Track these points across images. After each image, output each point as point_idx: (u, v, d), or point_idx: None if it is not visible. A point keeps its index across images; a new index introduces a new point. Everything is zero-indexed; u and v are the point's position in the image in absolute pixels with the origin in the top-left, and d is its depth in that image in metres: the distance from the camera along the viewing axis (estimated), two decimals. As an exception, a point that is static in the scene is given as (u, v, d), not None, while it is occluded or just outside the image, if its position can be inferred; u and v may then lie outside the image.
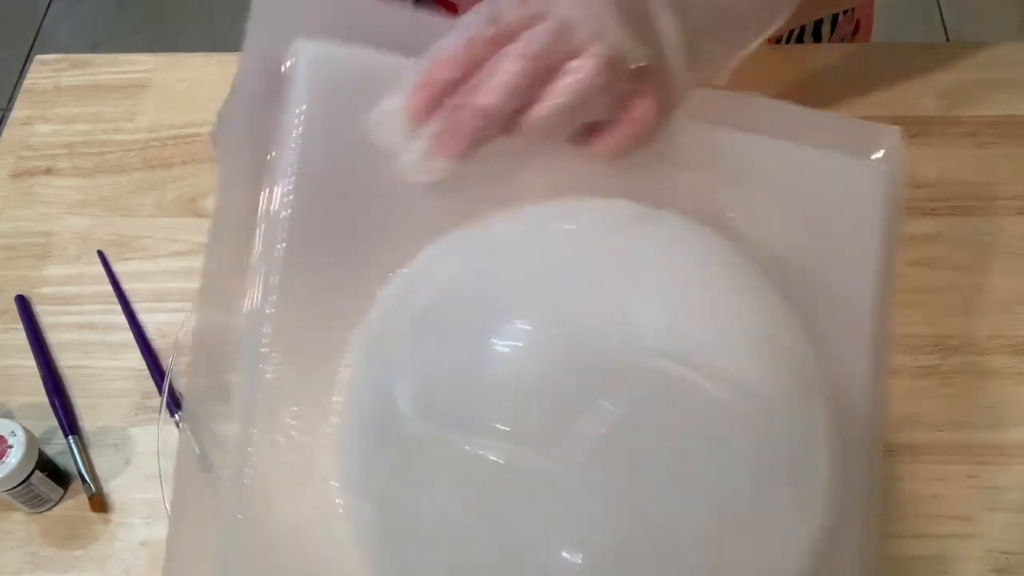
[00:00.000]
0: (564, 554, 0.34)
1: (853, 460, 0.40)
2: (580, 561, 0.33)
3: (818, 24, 0.80)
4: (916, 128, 0.69)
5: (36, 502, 0.56)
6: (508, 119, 0.39)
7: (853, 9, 0.82)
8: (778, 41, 0.78)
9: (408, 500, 0.36)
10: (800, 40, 0.80)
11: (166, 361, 0.62)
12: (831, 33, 0.82)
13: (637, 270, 0.37)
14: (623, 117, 0.41)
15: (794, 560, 0.35)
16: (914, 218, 0.64)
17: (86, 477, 0.58)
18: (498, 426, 0.34)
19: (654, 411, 0.34)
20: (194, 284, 0.64)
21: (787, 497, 0.36)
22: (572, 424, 0.34)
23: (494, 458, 0.34)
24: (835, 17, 0.81)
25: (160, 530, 0.56)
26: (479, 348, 0.36)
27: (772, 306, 0.39)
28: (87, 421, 0.61)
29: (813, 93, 0.66)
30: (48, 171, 0.72)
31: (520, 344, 0.35)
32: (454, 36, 0.38)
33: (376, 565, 0.38)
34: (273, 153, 0.40)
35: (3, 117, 1.38)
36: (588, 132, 0.41)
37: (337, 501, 0.38)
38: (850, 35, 0.85)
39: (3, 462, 0.54)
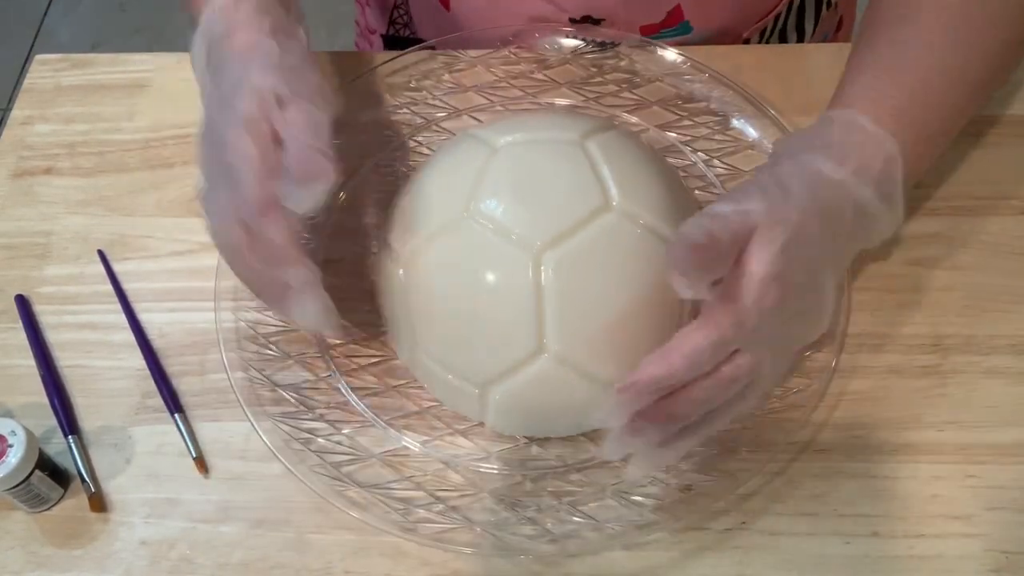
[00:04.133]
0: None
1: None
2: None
3: (801, 19, 0.80)
4: (916, 128, 0.69)
5: (36, 501, 0.56)
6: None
7: (836, 5, 0.82)
8: (761, 38, 0.79)
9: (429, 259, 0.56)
10: (784, 36, 0.80)
11: (166, 361, 0.62)
12: (814, 29, 0.82)
13: (609, 158, 0.57)
14: None
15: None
16: (914, 218, 0.64)
17: (85, 477, 0.58)
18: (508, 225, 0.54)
19: (608, 243, 0.54)
20: (194, 284, 0.65)
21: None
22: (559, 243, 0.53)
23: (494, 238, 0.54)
24: (817, 13, 0.81)
25: (160, 530, 0.56)
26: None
27: (680, 188, 0.60)
28: (87, 421, 0.61)
29: (814, 93, 0.66)
30: (48, 171, 0.72)
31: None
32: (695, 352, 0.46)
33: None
34: None
35: (3, 117, 1.38)
36: None
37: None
38: (833, 31, 0.85)
39: (3, 461, 0.54)
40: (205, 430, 0.59)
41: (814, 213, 0.49)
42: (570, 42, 0.73)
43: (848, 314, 0.59)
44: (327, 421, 0.59)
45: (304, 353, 0.61)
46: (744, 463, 0.55)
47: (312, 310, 0.52)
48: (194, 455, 0.58)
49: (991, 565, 0.53)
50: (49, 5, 2.08)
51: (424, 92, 0.72)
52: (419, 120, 0.71)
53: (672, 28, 0.73)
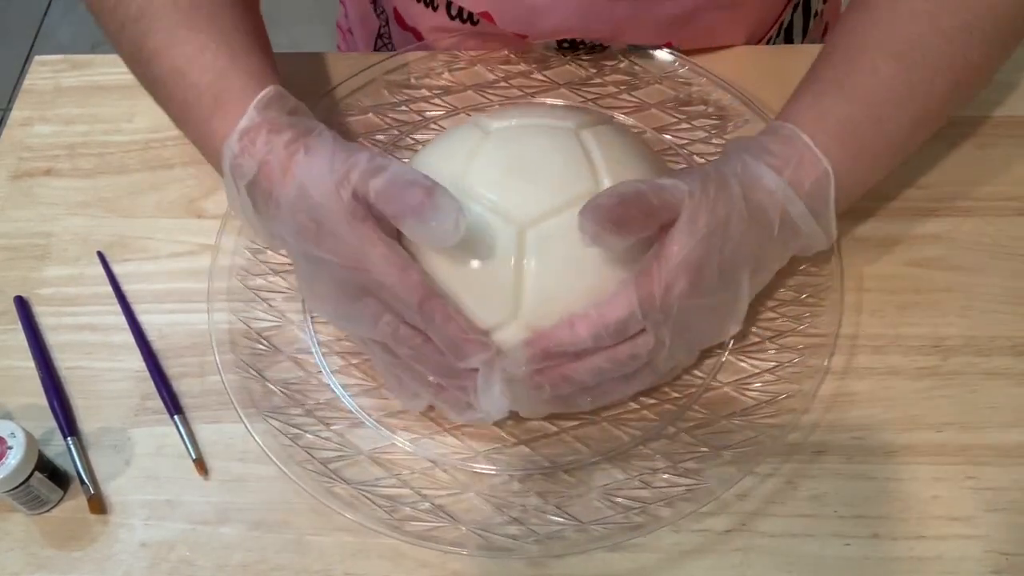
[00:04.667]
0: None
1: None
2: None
3: (789, 36, 0.80)
4: (916, 128, 0.69)
5: (36, 503, 0.56)
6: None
7: (821, 14, 0.82)
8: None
9: None
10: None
11: (166, 362, 0.62)
12: (803, 39, 0.82)
13: (603, 146, 0.57)
14: None
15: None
16: (914, 218, 0.64)
17: (85, 478, 0.58)
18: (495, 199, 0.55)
19: None
20: (194, 285, 0.65)
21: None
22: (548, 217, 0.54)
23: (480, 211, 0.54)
24: (805, 27, 0.81)
25: (159, 531, 0.56)
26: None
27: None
28: (87, 422, 0.61)
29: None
30: (48, 172, 0.72)
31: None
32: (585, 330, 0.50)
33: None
34: None
35: (3, 118, 1.38)
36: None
37: None
38: (820, 38, 0.85)
39: (3, 463, 0.54)
40: (205, 432, 0.59)
41: (743, 213, 0.51)
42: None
43: (841, 316, 0.59)
44: (316, 417, 0.59)
45: (297, 349, 0.61)
46: (731, 466, 0.55)
47: (496, 390, 0.52)
48: (194, 457, 0.58)
49: (991, 567, 0.52)
50: (49, 5, 2.08)
51: (423, 90, 0.72)
52: (417, 118, 0.71)
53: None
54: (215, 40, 0.57)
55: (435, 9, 0.73)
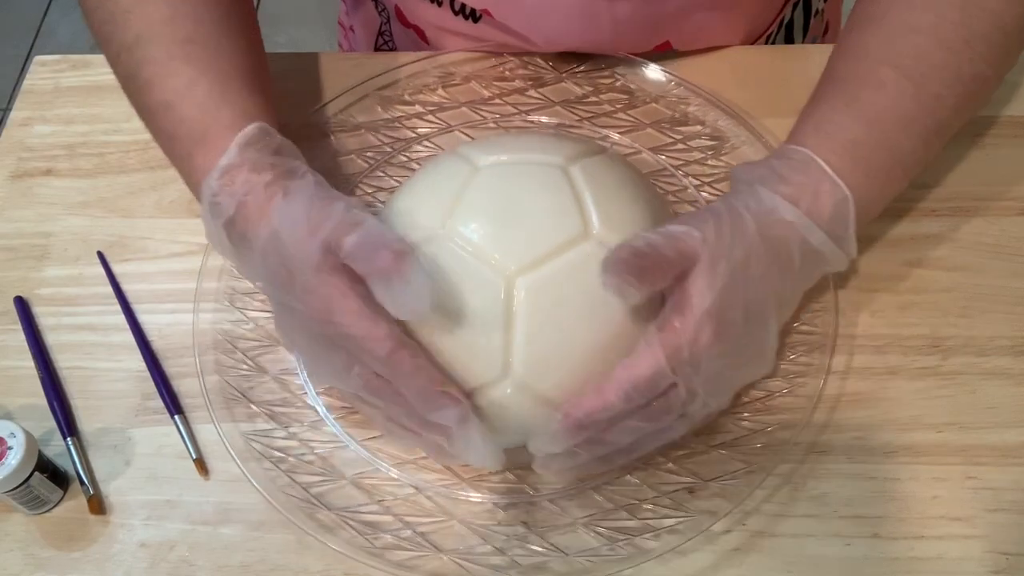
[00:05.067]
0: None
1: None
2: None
3: (790, 34, 0.80)
4: (916, 128, 0.69)
5: (36, 503, 0.56)
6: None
7: (822, 12, 0.82)
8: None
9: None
10: (773, 44, 0.80)
11: (166, 362, 0.62)
12: (803, 38, 0.82)
13: (593, 184, 0.55)
14: None
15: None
16: (914, 218, 0.64)
17: (84, 479, 0.58)
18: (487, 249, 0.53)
19: (584, 272, 0.51)
20: (194, 285, 0.64)
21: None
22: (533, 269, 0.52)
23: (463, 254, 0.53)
24: (806, 25, 0.81)
25: (159, 531, 0.56)
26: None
27: (665, 217, 0.57)
28: (86, 423, 0.61)
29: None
30: (48, 172, 0.72)
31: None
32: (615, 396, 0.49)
33: None
34: None
35: (3, 118, 1.38)
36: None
37: None
38: (821, 36, 0.85)
39: (2, 463, 0.54)
40: (205, 432, 0.59)
41: (761, 252, 0.50)
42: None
43: (837, 316, 0.59)
44: (300, 440, 0.59)
45: (282, 370, 0.61)
46: (718, 498, 0.55)
47: (478, 442, 0.50)
48: (194, 457, 0.58)
49: (991, 567, 0.52)
50: (49, 5, 2.08)
51: (416, 106, 0.72)
52: (410, 135, 0.70)
53: (660, 52, 0.73)
54: (208, 74, 0.56)
55: (439, 5, 0.73)
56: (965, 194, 0.65)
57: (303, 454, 0.58)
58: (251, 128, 0.54)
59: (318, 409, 0.59)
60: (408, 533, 0.55)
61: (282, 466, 0.57)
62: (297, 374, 0.60)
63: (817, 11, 0.82)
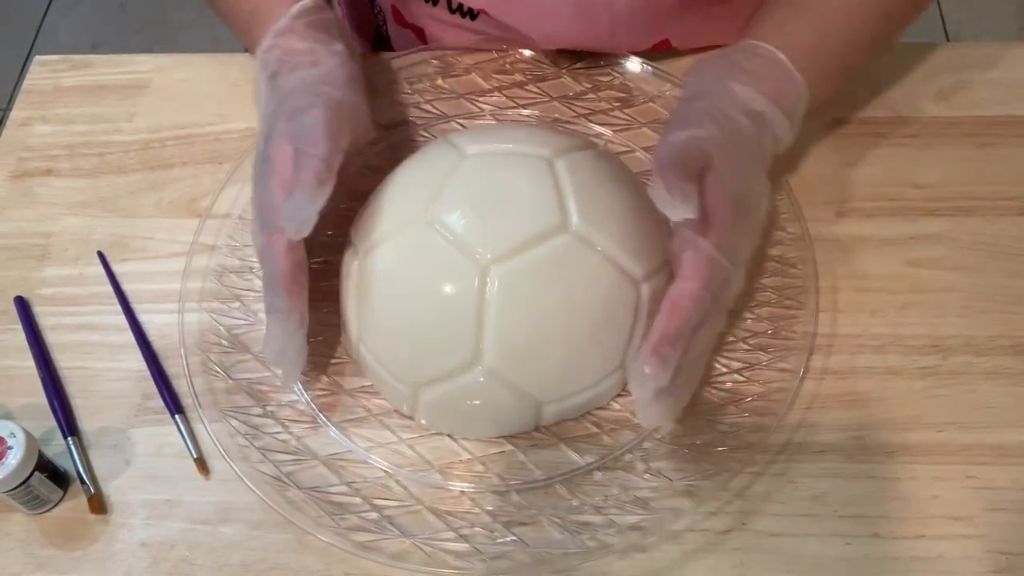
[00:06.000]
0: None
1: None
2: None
3: None
4: (916, 128, 0.69)
5: (36, 503, 0.56)
6: None
7: None
8: None
9: (383, 261, 0.57)
10: None
11: (166, 362, 0.62)
12: None
13: (577, 178, 0.56)
14: None
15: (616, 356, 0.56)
16: (914, 218, 0.64)
17: (85, 478, 0.58)
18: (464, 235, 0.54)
19: (558, 264, 0.53)
20: (194, 285, 0.64)
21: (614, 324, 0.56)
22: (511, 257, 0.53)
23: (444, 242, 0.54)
24: None
25: (159, 531, 0.56)
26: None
27: (649, 215, 0.57)
28: (87, 422, 0.61)
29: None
30: (48, 172, 0.72)
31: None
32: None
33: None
34: None
35: (3, 118, 1.38)
36: None
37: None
38: None
39: (3, 463, 0.54)
40: (205, 431, 0.59)
41: (747, 138, 0.57)
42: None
43: (816, 316, 0.60)
44: (276, 419, 0.59)
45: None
46: (683, 497, 0.55)
47: (278, 339, 0.55)
48: (195, 456, 0.58)
49: (991, 566, 0.52)
50: (49, 5, 2.08)
51: (416, 95, 0.72)
52: (409, 122, 0.70)
53: (661, 52, 0.73)
54: None
55: (435, 3, 0.73)
56: (965, 194, 0.65)
57: (278, 432, 0.59)
58: (306, 1, 0.63)
59: (296, 389, 0.60)
60: (375, 516, 0.55)
61: (256, 443, 0.58)
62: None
63: None
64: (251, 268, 0.65)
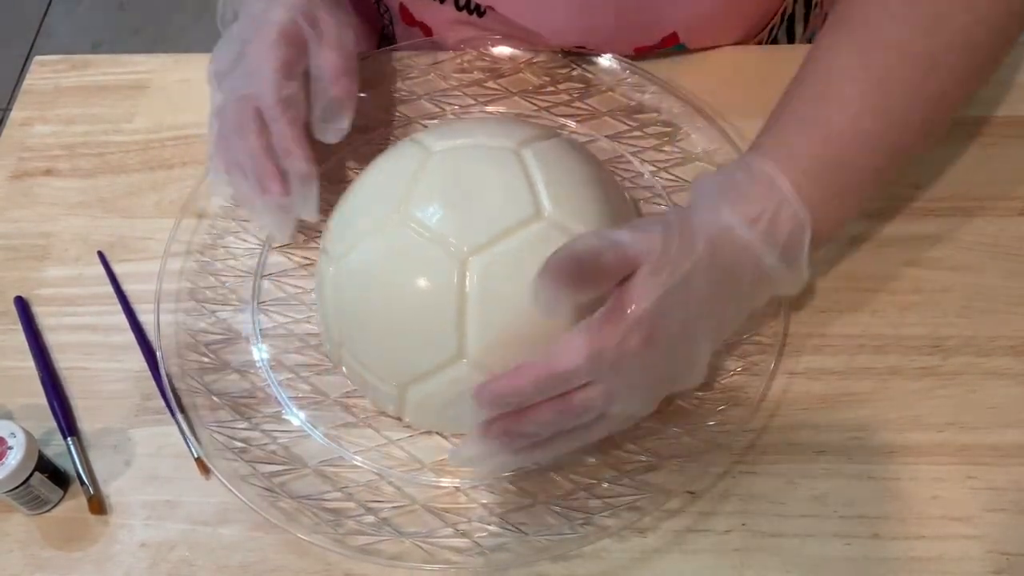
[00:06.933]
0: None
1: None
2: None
3: (791, 26, 0.80)
4: (916, 128, 0.69)
5: (36, 503, 0.56)
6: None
7: (821, 5, 0.82)
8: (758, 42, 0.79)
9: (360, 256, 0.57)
10: (775, 41, 0.80)
11: (166, 362, 0.62)
12: (803, 31, 0.82)
13: (545, 166, 0.56)
14: None
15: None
16: (914, 218, 0.64)
17: (85, 479, 0.58)
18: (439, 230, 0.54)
19: (536, 252, 0.49)
20: (193, 285, 0.64)
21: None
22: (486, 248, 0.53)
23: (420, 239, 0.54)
24: (807, 18, 0.81)
25: (159, 532, 0.56)
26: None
27: (618, 200, 0.59)
28: (87, 422, 0.61)
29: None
30: (48, 172, 0.72)
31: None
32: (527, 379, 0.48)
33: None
34: None
35: (3, 118, 1.38)
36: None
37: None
38: (820, 30, 0.85)
39: (3, 463, 0.54)
40: (205, 432, 0.59)
41: (708, 268, 0.49)
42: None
43: (788, 316, 0.60)
44: (263, 431, 0.59)
45: (244, 363, 0.62)
46: (677, 475, 0.55)
47: (312, 199, 0.61)
48: (195, 456, 0.58)
49: (991, 567, 0.52)
50: (49, 5, 2.08)
51: (377, 99, 0.72)
52: (369, 127, 0.70)
53: (667, 48, 0.73)
54: None
55: (442, 1, 0.73)
56: (965, 194, 0.65)
57: (266, 444, 0.59)
58: None
59: (280, 398, 0.60)
60: (371, 519, 0.55)
61: (245, 457, 0.58)
62: (260, 368, 0.61)
63: (816, 3, 0.82)
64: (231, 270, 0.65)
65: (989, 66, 0.55)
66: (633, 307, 0.47)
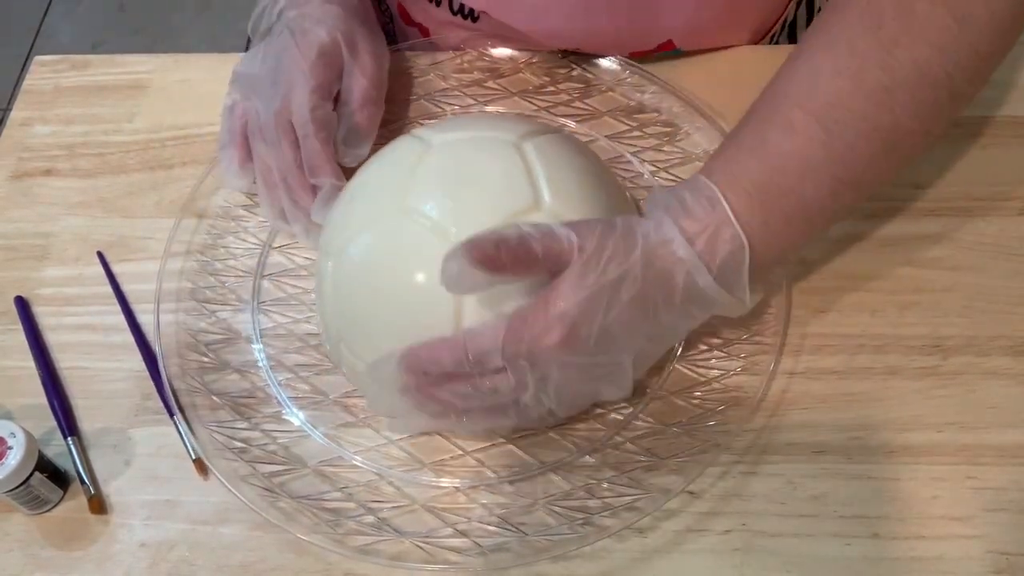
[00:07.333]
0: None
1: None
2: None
3: (793, 33, 0.80)
4: (916, 128, 0.68)
5: (36, 503, 0.56)
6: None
7: (822, 10, 0.82)
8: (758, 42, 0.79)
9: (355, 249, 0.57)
10: (776, 43, 0.80)
11: (166, 362, 0.62)
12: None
13: (545, 159, 0.56)
14: None
15: None
16: (914, 218, 0.64)
17: (85, 479, 0.58)
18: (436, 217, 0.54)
19: None
20: (194, 285, 0.65)
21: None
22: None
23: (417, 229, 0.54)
24: (809, 19, 0.81)
25: (159, 531, 0.56)
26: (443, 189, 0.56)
27: (618, 196, 0.59)
28: (87, 422, 0.61)
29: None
30: (48, 172, 0.72)
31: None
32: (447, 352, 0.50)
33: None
34: None
35: (3, 118, 1.38)
36: None
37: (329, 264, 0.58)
38: None
39: (3, 463, 0.54)
40: (205, 432, 0.59)
41: (638, 279, 0.49)
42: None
43: (788, 316, 0.60)
44: (262, 431, 0.59)
45: (243, 363, 0.62)
46: (675, 475, 0.55)
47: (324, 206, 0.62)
48: (194, 457, 0.58)
49: (991, 567, 0.52)
50: (49, 5, 2.08)
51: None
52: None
53: (664, 52, 0.73)
54: None
55: (438, 4, 0.73)
56: (965, 194, 0.65)
57: (265, 444, 0.58)
58: None
59: (280, 398, 0.60)
60: (371, 519, 0.55)
61: (245, 457, 0.58)
62: (260, 368, 0.61)
63: (820, 8, 0.82)
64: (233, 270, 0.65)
65: (948, 102, 0.52)
66: (556, 303, 0.48)
